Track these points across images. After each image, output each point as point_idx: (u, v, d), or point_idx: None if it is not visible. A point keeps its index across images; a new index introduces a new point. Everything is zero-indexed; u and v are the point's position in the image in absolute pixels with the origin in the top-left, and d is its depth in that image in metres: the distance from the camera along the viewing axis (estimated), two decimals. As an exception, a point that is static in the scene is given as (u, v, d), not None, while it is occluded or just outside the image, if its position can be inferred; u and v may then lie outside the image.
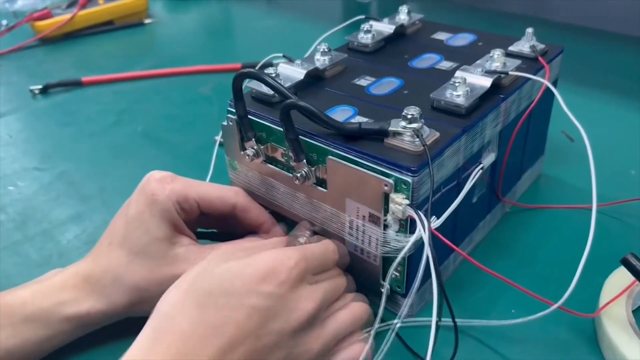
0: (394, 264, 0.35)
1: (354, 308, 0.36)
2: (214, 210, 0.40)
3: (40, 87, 0.78)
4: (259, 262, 0.32)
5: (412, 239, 0.34)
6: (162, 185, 0.38)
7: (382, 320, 0.39)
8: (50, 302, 0.36)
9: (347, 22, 0.54)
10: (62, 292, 0.36)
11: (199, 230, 0.43)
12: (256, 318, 0.30)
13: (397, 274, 0.38)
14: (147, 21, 1.04)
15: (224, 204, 0.40)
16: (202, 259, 0.35)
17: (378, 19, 0.53)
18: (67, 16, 0.95)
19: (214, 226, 0.45)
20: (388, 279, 0.36)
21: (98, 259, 0.38)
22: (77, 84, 0.79)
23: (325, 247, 0.37)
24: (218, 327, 0.30)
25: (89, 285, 0.37)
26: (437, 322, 0.31)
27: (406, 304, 0.36)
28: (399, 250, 0.35)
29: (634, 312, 0.38)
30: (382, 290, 0.39)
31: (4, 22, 0.99)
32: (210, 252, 0.37)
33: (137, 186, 0.39)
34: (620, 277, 0.38)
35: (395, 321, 0.36)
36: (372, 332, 0.36)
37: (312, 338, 0.33)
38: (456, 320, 0.37)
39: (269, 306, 0.31)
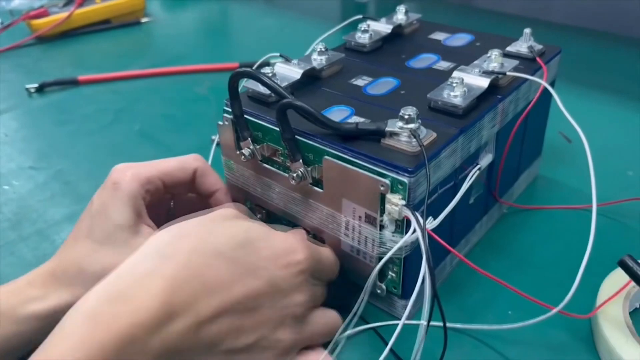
0: (381, 263, 0.35)
1: (330, 315, 0.37)
2: (177, 180, 0.41)
3: (36, 85, 0.77)
4: (276, 240, 0.33)
5: (404, 239, 0.34)
6: (123, 172, 0.38)
7: (365, 322, 0.39)
8: (17, 299, 0.35)
9: (345, 22, 0.54)
10: (29, 288, 0.36)
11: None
12: (251, 298, 0.31)
13: (394, 275, 0.38)
14: (144, 20, 1.03)
15: (185, 172, 0.41)
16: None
17: (376, 18, 0.53)
18: (63, 15, 0.95)
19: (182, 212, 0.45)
20: (372, 279, 0.35)
21: (64, 253, 0.38)
22: (74, 83, 0.79)
23: (334, 257, 0.38)
24: (212, 291, 0.29)
25: (55, 280, 0.36)
26: (426, 327, 0.30)
27: (407, 306, 0.36)
28: (395, 251, 0.35)
29: (631, 313, 0.38)
30: (378, 291, 0.39)
31: (0, 20, 0.98)
32: None
33: None
34: (618, 279, 0.38)
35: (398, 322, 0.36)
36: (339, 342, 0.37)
37: (287, 333, 0.33)
38: (452, 324, 0.38)
39: (267, 290, 0.31)
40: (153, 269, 0.29)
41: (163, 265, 0.29)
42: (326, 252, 0.38)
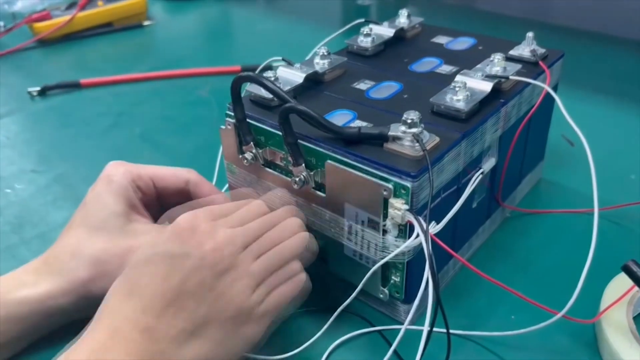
0: (377, 265, 0.36)
1: (280, 232, 0.35)
2: (169, 186, 0.42)
3: (38, 89, 0.77)
4: (163, 231, 0.33)
5: (407, 243, 0.34)
6: (116, 168, 0.40)
7: (371, 324, 0.39)
8: (10, 284, 0.36)
9: (348, 26, 0.54)
10: (22, 275, 0.37)
11: None
12: (159, 279, 0.31)
13: (396, 279, 0.37)
14: (146, 23, 1.03)
15: (177, 179, 0.42)
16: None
17: (378, 22, 0.52)
18: (66, 18, 0.95)
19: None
20: (367, 277, 0.35)
21: (59, 241, 0.38)
22: (76, 86, 0.79)
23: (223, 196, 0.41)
24: (130, 295, 0.30)
25: (48, 266, 0.37)
26: (429, 332, 0.30)
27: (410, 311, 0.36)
28: (398, 255, 0.35)
29: (635, 318, 0.38)
30: (381, 296, 0.38)
31: (2, 23, 0.98)
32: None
33: None
34: (621, 283, 0.38)
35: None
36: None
37: (233, 283, 0.32)
38: (455, 330, 0.37)
39: (169, 263, 0.31)
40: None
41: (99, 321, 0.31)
42: (212, 198, 0.39)
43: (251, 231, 0.34)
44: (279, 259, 0.34)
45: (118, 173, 0.40)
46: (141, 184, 0.41)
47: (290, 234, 0.35)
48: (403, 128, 0.34)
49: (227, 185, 0.46)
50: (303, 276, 0.35)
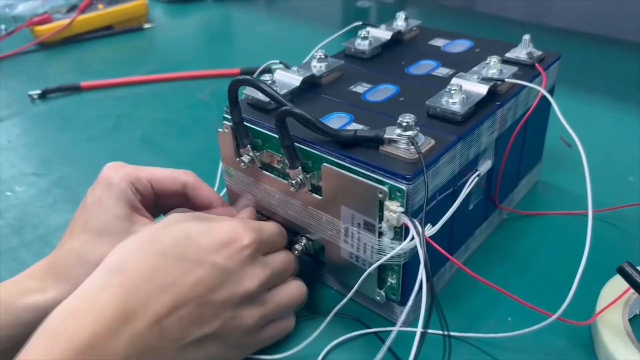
0: (372, 267, 0.36)
1: (293, 288, 0.38)
2: (166, 189, 0.42)
3: (39, 92, 0.78)
4: (217, 231, 0.34)
5: (402, 246, 0.34)
6: (115, 170, 0.40)
7: (366, 326, 0.39)
8: (16, 290, 0.36)
9: (345, 29, 0.54)
10: (28, 280, 0.36)
11: None
12: (202, 286, 0.32)
13: (393, 281, 0.38)
14: (146, 26, 1.04)
15: (175, 182, 0.42)
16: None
17: (375, 25, 0.53)
18: (66, 21, 0.96)
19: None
20: (362, 279, 0.35)
21: (61, 247, 0.38)
22: (76, 89, 0.80)
23: (279, 229, 0.40)
24: (163, 288, 0.31)
25: (54, 272, 0.37)
26: (422, 333, 0.30)
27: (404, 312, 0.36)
28: (394, 257, 0.35)
29: (631, 320, 0.38)
30: (378, 298, 0.39)
31: (3, 26, 0.99)
32: None
33: None
34: (617, 285, 0.38)
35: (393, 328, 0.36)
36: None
37: (250, 313, 0.35)
38: (452, 332, 0.38)
39: (217, 276, 0.33)
40: (105, 282, 0.31)
41: (113, 278, 0.31)
42: (269, 227, 0.39)
43: (277, 270, 0.37)
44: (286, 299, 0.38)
45: (117, 176, 0.40)
46: (139, 186, 0.41)
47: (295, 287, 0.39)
48: (398, 131, 0.35)
49: (225, 190, 0.47)
50: (294, 320, 0.39)
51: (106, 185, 0.39)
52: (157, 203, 0.43)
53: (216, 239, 0.34)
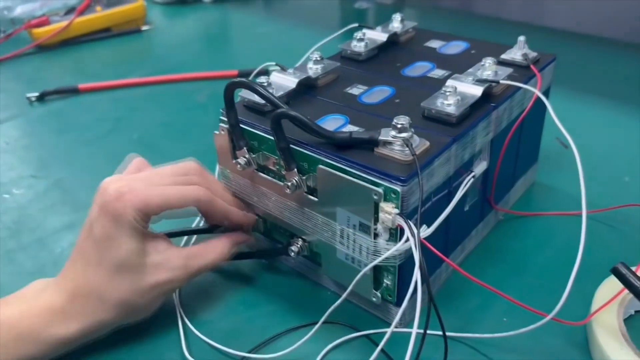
0: (366, 268, 0.36)
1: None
2: (177, 207, 0.39)
3: (37, 94, 0.78)
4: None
5: (396, 247, 0.34)
6: (121, 202, 0.36)
7: (356, 329, 0.40)
8: (40, 324, 0.36)
9: (342, 30, 0.54)
10: (50, 314, 0.36)
11: (170, 232, 0.45)
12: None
13: (389, 282, 0.38)
14: (144, 28, 1.04)
15: (186, 203, 0.39)
16: (180, 261, 0.38)
17: (371, 27, 0.53)
18: (64, 23, 0.96)
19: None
20: (356, 280, 0.36)
21: (78, 280, 0.37)
22: (74, 91, 0.80)
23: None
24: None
25: (76, 308, 0.37)
26: (423, 335, 0.31)
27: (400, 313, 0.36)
28: (389, 259, 0.35)
29: (626, 320, 0.38)
30: (374, 299, 0.39)
31: (1, 29, 0.99)
32: (187, 252, 0.39)
33: (94, 198, 0.38)
34: (613, 285, 0.38)
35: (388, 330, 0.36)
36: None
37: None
38: (447, 333, 0.38)
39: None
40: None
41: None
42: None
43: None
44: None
45: (126, 212, 0.36)
46: (149, 211, 0.37)
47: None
48: (393, 133, 0.35)
49: None
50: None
51: (114, 219, 0.36)
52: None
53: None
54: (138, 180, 0.39)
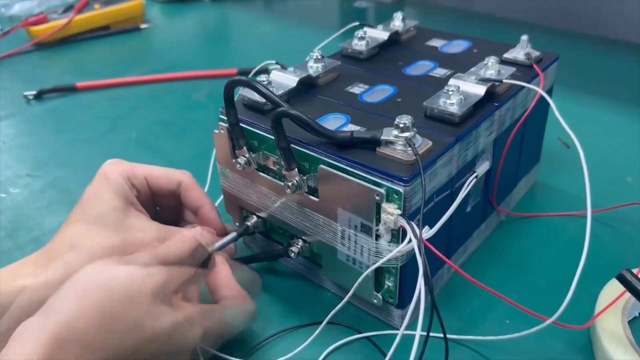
0: (369, 270, 0.35)
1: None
2: (162, 187, 0.42)
3: (34, 92, 0.77)
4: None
5: (398, 249, 0.33)
6: (113, 165, 0.41)
7: (358, 331, 0.39)
8: (8, 275, 0.36)
9: (343, 30, 0.54)
10: (20, 266, 0.37)
11: None
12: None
13: (390, 284, 0.37)
14: (143, 26, 1.03)
15: (170, 181, 0.43)
16: (156, 232, 0.38)
17: (373, 25, 0.52)
18: (63, 21, 0.95)
19: (166, 218, 0.45)
20: (358, 283, 0.35)
21: (57, 237, 0.38)
22: (72, 90, 0.79)
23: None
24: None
25: (46, 258, 0.37)
26: (426, 337, 0.30)
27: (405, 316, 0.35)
28: (391, 260, 0.35)
29: (630, 322, 0.37)
30: (375, 301, 0.38)
31: (-1, 26, 0.99)
32: (165, 230, 0.39)
33: None
34: (616, 287, 0.38)
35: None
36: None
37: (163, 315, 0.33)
38: (449, 335, 0.37)
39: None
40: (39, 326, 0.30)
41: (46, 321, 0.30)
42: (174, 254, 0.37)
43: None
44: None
45: (114, 171, 0.40)
46: (136, 182, 0.41)
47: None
48: (395, 132, 0.34)
49: (221, 198, 0.46)
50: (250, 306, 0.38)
51: (104, 179, 0.40)
52: (153, 200, 0.43)
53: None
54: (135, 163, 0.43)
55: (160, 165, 0.43)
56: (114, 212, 0.38)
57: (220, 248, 0.41)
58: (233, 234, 0.42)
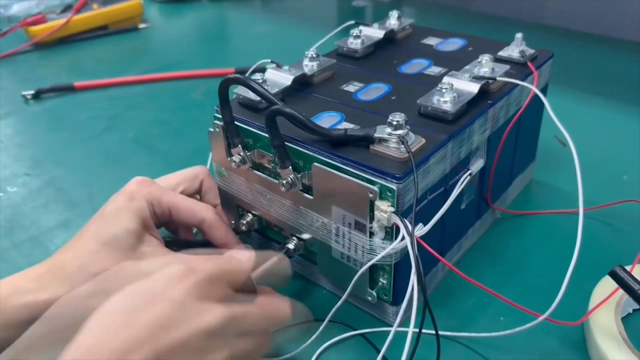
0: (363, 268, 0.35)
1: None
2: (184, 220, 0.42)
3: (32, 92, 0.77)
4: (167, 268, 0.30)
5: (392, 246, 0.34)
6: (141, 187, 0.41)
7: (352, 328, 0.39)
8: (9, 289, 0.35)
9: (339, 28, 0.54)
10: (23, 280, 0.36)
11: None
12: (157, 323, 0.27)
13: (384, 282, 0.37)
14: (141, 26, 1.04)
15: (194, 217, 0.42)
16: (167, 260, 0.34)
17: (368, 24, 0.52)
18: (61, 21, 0.95)
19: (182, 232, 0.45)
20: (354, 281, 0.35)
21: (66, 250, 0.38)
22: (70, 89, 0.79)
23: (229, 264, 0.33)
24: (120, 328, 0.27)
25: (51, 275, 0.36)
26: (418, 334, 0.30)
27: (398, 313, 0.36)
28: (385, 258, 0.35)
29: (623, 319, 0.37)
30: (369, 298, 0.38)
31: (-2, 27, 0.99)
32: (174, 257, 0.37)
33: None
34: (610, 284, 0.38)
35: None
36: None
37: (216, 349, 0.29)
38: (443, 332, 0.37)
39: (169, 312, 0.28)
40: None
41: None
42: (244, 261, 0.33)
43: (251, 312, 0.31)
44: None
45: (140, 193, 0.40)
46: (158, 209, 0.41)
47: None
48: (389, 130, 0.34)
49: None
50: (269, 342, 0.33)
51: (128, 199, 0.40)
52: (171, 225, 0.44)
53: (165, 273, 0.29)
54: (159, 181, 0.43)
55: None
56: (129, 235, 0.38)
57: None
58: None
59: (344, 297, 0.37)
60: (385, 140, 0.35)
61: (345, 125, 0.38)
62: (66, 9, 0.99)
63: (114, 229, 0.38)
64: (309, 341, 0.38)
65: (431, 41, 0.52)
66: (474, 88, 0.39)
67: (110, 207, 0.40)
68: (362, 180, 0.34)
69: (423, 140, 0.35)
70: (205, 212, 0.42)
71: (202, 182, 0.45)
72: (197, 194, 0.46)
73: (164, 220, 0.42)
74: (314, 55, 0.45)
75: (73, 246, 0.38)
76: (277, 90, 0.42)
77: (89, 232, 0.38)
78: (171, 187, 0.43)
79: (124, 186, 0.41)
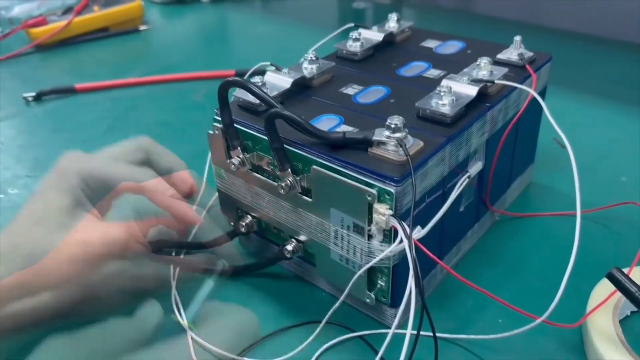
0: (361, 270, 0.36)
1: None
2: (121, 189, 0.40)
3: (33, 94, 0.78)
4: None
5: (390, 249, 0.34)
6: (70, 164, 0.39)
7: (351, 330, 0.39)
8: None
9: (339, 30, 0.54)
10: None
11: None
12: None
13: (382, 284, 0.38)
14: (142, 28, 1.04)
15: (129, 185, 0.40)
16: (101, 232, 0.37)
17: (367, 26, 0.53)
18: (62, 23, 0.95)
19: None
20: (352, 283, 0.35)
21: (2, 232, 0.38)
22: (71, 91, 0.79)
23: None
24: None
25: None
26: (416, 336, 0.30)
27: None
28: (384, 260, 0.35)
29: (621, 321, 0.38)
30: (367, 300, 0.39)
31: (-1, 28, 0.99)
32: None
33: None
34: (608, 286, 0.38)
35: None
36: None
37: None
38: (441, 334, 0.37)
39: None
40: None
41: None
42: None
43: None
44: None
45: (71, 169, 0.39)
46: (92, 183, 0.39)
47: None
48: (387, 133, 0.34)
49: (215, 195, 0.47)
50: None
51: (57, 178, 0.39)
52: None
53: None
54: (94, 155, 0.41)
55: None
56: (58, 213, 0.37)
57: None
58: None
59: (342, 298, 0.37)
60: (384, 143, 0.35)
61: (344, 128, 0.39)
62: (67, 11, 0.99)
63: (43, 209, 0.37)
64: (307, 342, 0.38)
65: (430, 44, 0.52)
66: (472, 91, 0.40)
67: (40, 187, 0.39)
68: (361, 183, 0.34)
69: (421, 143, 0.35)
70: (142, 178, 0.40)
71: (147, 152, 0.43)
72: (146, 165, 0.43)
73: (103, 192, 0.40)
74: (313, 58, 0.45)
75: (8, 228, 0.38)
76: (277, 92, 0.42)
77: (22, 213, 0.38)
78: (111, 159, 0.42)
79: (56, 163, 0.40)
